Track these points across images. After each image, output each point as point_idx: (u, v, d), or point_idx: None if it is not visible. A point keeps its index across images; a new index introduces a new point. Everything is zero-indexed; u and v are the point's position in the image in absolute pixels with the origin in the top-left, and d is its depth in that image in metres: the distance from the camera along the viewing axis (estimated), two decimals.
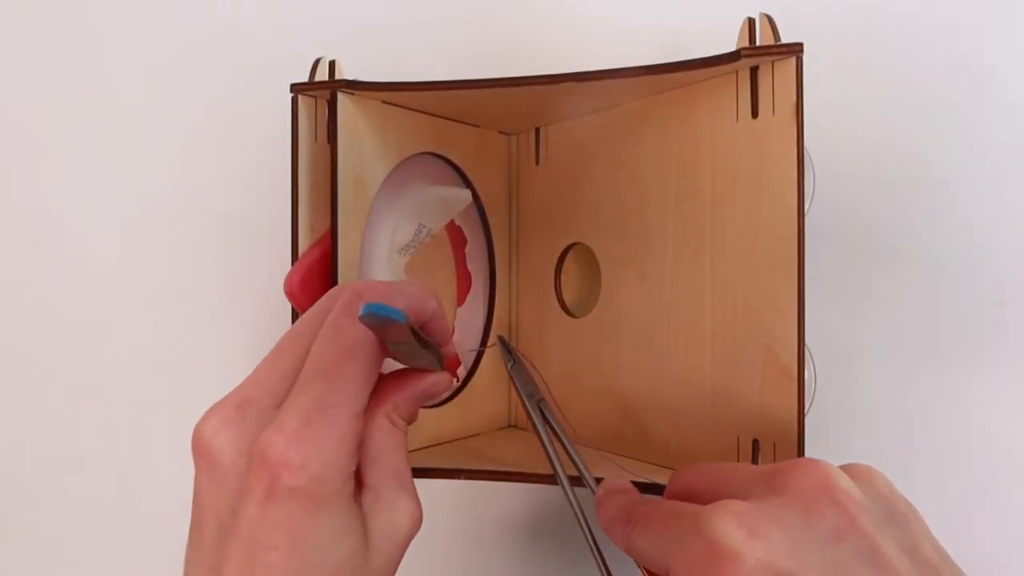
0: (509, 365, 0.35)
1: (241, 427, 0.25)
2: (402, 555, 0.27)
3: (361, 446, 0.27)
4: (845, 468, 0.23)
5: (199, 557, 0.25)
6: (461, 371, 0.42)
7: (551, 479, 0.33)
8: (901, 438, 0.40)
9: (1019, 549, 0.39)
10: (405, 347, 0.26)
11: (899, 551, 0.20)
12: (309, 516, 0.24)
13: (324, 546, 0.24)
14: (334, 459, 0.24)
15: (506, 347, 0.36)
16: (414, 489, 0.27)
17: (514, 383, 0.35)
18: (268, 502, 0.23)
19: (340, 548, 0.24)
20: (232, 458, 0.24)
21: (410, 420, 0.29)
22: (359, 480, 0.27)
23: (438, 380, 0.29)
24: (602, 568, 0.29)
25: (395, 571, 0.27)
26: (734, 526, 0.21)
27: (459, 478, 0.35)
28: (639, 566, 0.27)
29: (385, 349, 0.26)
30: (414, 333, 0.25)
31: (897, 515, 0.22)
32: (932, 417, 0.40)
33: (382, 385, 0.28)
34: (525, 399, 0.34)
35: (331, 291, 0.28)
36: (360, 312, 0.22)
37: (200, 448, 0.25)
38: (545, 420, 0.33)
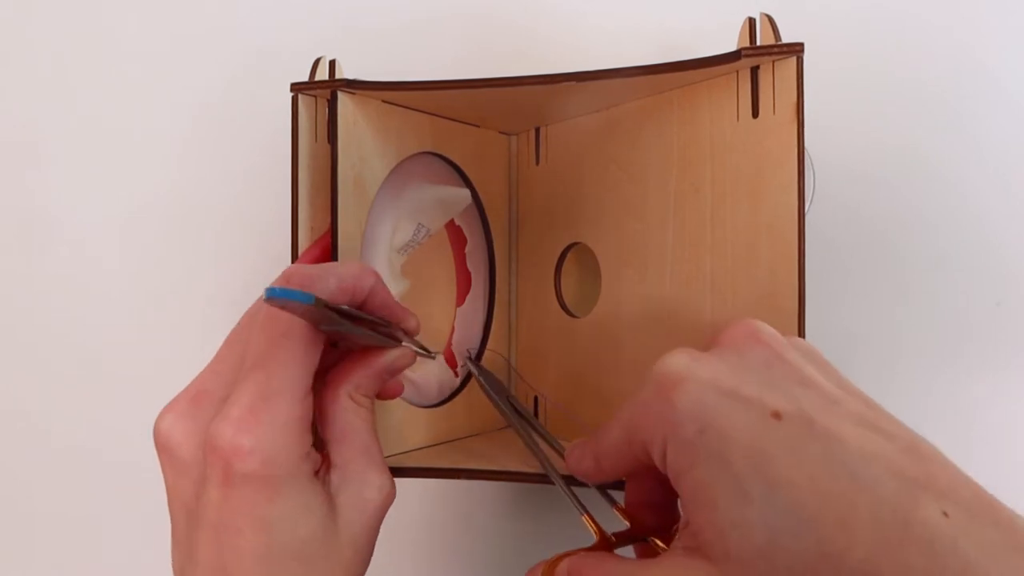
0: (477, 374, 0.37)
1: (196, 419, 0.26)
2: (376, 528, 0.27)
3: (327, 426, 0.28)
4: None
5: (176, 547, 0.26)
6: (460, 370, 0.42)
7: (551, 479, 0.33)
8: None
9: None
10: (339, 327, 0.26)
11: (823, 376, 0.23)
12: (266, 499, 0.24)
13: (288, 526, 0.25)
14: (283, 442, 0.25)
15: (473, 364, 0.38)
16: (383, 463, 0.28)
17: (486, 392, 0.36)
18: (226, 488, 0.24)
19: (304, 526, 0.25)
20: (191, 450, 0.25)
21: (379, 396, 0.30)
22: (328, 459, 0.28)
23: (397, 356, 0.29)
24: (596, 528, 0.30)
25: (371, 544, 0.27)
26: (680, 357, 0.23)
27: (459, 478, 0.35)
28: (617, 508, 0.29)
29: (320, 331, 0.26)
30: (340, 312, 0.25)
31: (816, 357, 0.24)
32: (932, 417, 0.40)
33: (343, 365, 0.29)
34: (497, 400, 0.36)
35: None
36: (263, 296, 0.22)
37: (160, 442, 0.26)
38: (517, 412, 0.35)
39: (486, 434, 0.42)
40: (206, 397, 0.26)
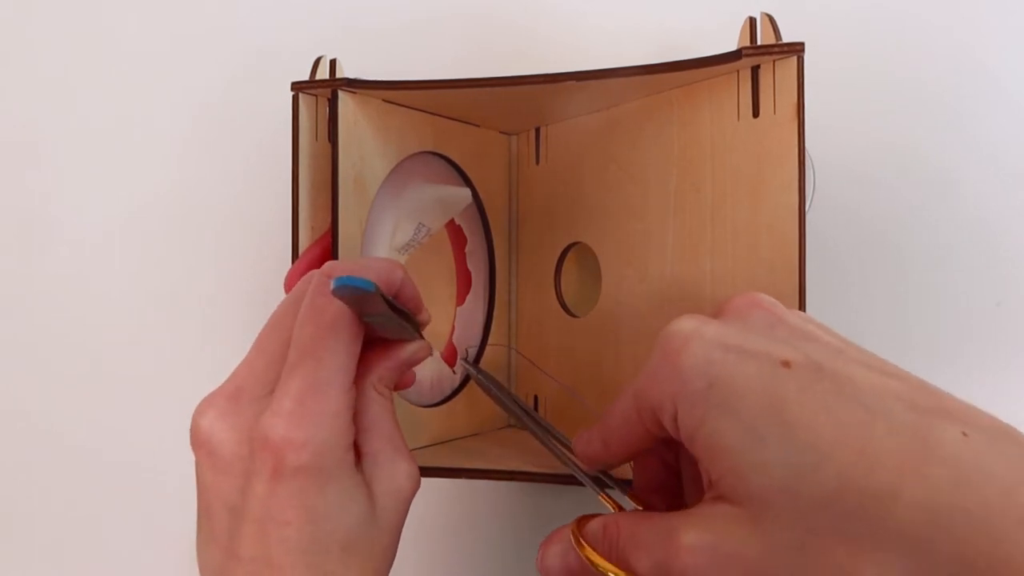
0: (475, 374, 0.37)
1: (237, 416, 0.26)
2: (406, 512, 0.28)
3: (355, 417, 0.28)
4: None
5: (212, 542, 0.26)
6: (457, 368, 0.42)
7: (552, 479, 0.33)
8: None
9: None
10: (380, 318, 0.26)
11: (825, 333, 0.23)
12: (317, 489, 0.25)
13: (334, 514, 0.25)
14: (332, 433, 0.25)
15: (470, 366, 0.37)
16: (408, 451, 0.29)
17: (490, 394, 0.36)
18: (276, 482, 0.24)
19: (350, 514, 0.26)
20: (233, 447, 0.25)
21: (395, 388, 0.30)
22: (357, 449, 0.28)
23: (417, 348, 0.30)
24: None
25: (401, 527, 0.28)
26: (685, 320, 0.24)
27: (459, 478, 0.35)
28: (630, 493, 0.29)
29: (362, 322, 0.27)
30: (387, 302, 0.25)
31: (816, 320, 0.25)
32: None
33: (366, 357, 0.29)
34: (505, 401, 0.35)
35: (304, 277, 0.29)
36: (332, 286, 0.23)
37: (199, 440, 0.26)
38: (521, 408, 0.34)
39: (486, 433, 0.42)
40: (245, 394, 0.26)
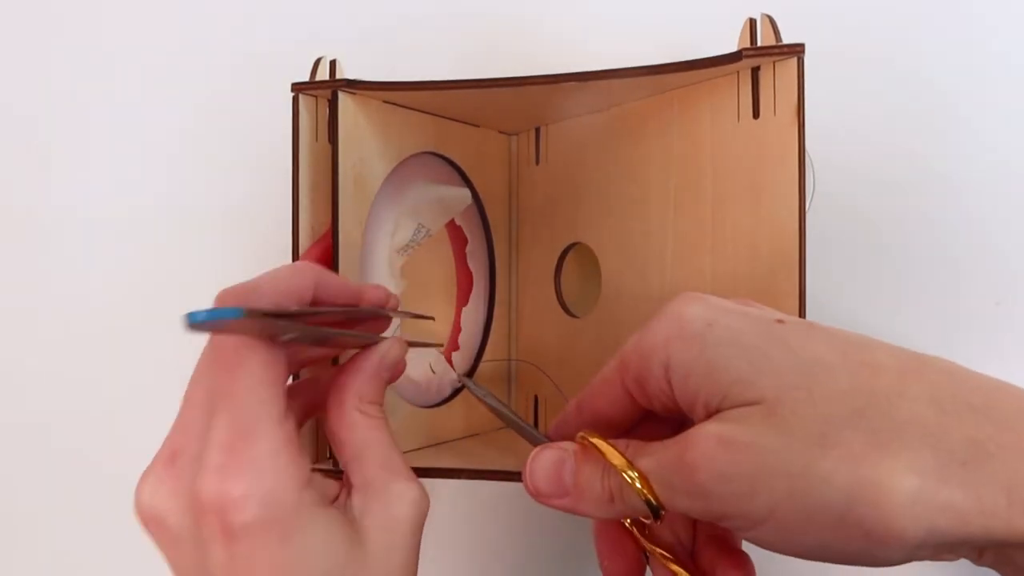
0: (480, 393, 0.34)
1: (176, 481, 0.23)
2: (413, 544, 0.25)
3: (342, 448, 0.26)
4: None
5: None
6: (461, 367, 0.42)
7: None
8: None
9: None
10: (301, 334, 0.24)
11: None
12: (279, 542, 0.22)
13: (308, 564, 0.23)
14: (276, 475, 0.22)
15: (475, 386, 0.35)
16: (409, 473, 0.26)
17: (492, 410, 0.33)
18: (230, 545, 0.22)
19: (327, 559, 0.23)
20: (178, 517, 0.23)
21: (381, 401, 0.27)
22: (347, 480, 0.26)
23: (387, 349, 0.27)
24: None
25: (410, 562, 0.25)
26: (689, 292, 0.24)
27: (459, 478, 0.35)
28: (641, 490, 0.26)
29: (282, 343, 0.24)
30: (288, 315, 0.23)
31: None
32: None
33: (340, 378, 0.27)
34: (510, 417, 0.32)
35: None
36: (187, 324, 0.20)
37: (144, 516, 0.24)
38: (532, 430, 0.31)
39: (486, 434, 0.43)
40: (181, 456, 0.24)
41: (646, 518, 0.23)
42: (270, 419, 0.23)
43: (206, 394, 0.24)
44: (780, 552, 0.21)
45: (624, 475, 0.23)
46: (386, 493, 0.25)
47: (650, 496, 0.22)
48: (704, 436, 0.21)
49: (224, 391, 0.23)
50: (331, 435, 0.27)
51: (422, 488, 0.26)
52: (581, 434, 0.25)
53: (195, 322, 0.20)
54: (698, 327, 0.22)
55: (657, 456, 0.23)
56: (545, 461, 0.25)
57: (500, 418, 0.33)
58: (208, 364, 0.24)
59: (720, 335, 0.22)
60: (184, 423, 0.24)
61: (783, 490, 0.20)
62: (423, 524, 0.26)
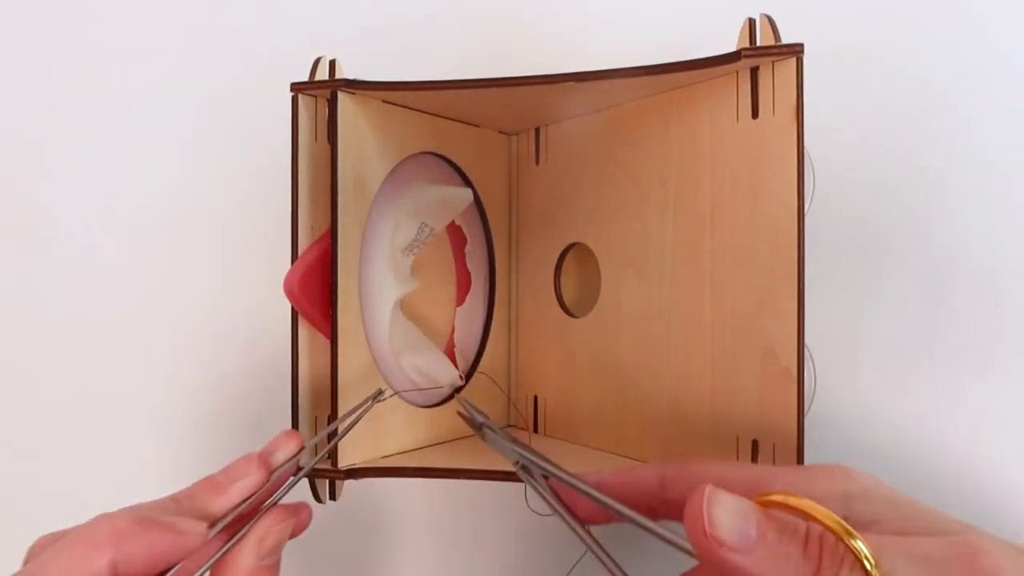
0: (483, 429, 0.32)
1: None
2: None
3: None
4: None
5: None
6: (462, 366, 0.42)
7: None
8: (901, 438, 0.40)
9: None
10: None
11: None
12: None
13: None
14: None
15: (473, 415, 0.33)
16: None
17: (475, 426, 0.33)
18: None
19: None
20: None
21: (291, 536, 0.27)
22: None
23: (262, 536, 0.27)
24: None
25: None
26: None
27: (459, 478, 0.35)
28: None
29: None
30: None
31: None
32: (932, 417, 0.40)
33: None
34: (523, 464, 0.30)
35: None
36: None
37: None
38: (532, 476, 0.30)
39: None
40: None
41: None
42: None
43: None
44: None
45: (852, 543, 0.20)
46: None
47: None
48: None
49: None
50: None
51: None
52: (767, 494, 0.21)
53: None
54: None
55: (904, 544, 0.21)
56: (730, 507, 0.21)
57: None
58: None
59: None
60: None
61: None
62: None
